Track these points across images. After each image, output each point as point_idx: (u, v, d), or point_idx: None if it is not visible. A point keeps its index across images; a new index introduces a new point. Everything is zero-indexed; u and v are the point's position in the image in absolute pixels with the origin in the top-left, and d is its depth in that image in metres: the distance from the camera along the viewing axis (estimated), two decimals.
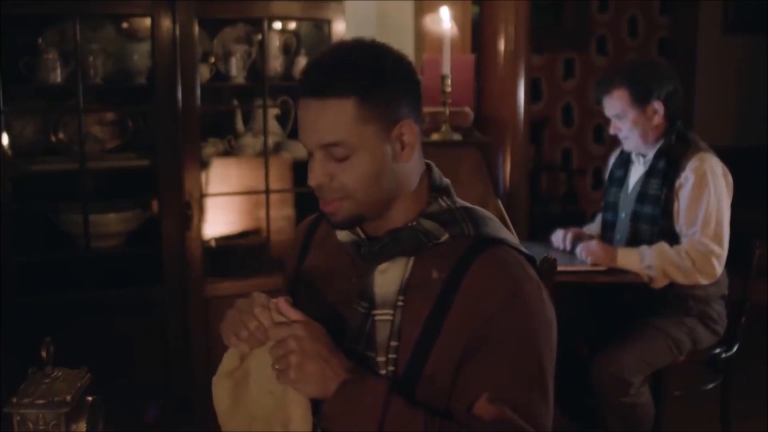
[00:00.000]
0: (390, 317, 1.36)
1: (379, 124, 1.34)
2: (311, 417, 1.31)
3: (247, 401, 1.37)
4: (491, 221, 1.43)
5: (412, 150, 1.38)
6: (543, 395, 1.34)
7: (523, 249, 1.43)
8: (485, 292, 1.33)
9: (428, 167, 1.47)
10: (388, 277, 1.38)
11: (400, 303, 1.36)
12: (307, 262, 1.54)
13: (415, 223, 1.39)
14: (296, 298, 1.39)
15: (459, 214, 1.41)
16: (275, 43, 3.20)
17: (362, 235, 1.43)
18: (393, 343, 1.35)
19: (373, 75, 1.33)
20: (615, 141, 2.96)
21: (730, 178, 2.74)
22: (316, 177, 1.36)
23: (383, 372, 1.36)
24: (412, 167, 1.40)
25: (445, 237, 1.38)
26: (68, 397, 1.32)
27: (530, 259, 1.43)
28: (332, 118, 1.32)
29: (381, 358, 1.36)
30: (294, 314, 1.33)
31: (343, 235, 1.44)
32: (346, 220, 1.39)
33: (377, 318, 1.37)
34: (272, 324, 1.32)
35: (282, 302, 1.34)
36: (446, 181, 1.47)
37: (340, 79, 1.32)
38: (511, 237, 1.44)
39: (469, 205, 1.45)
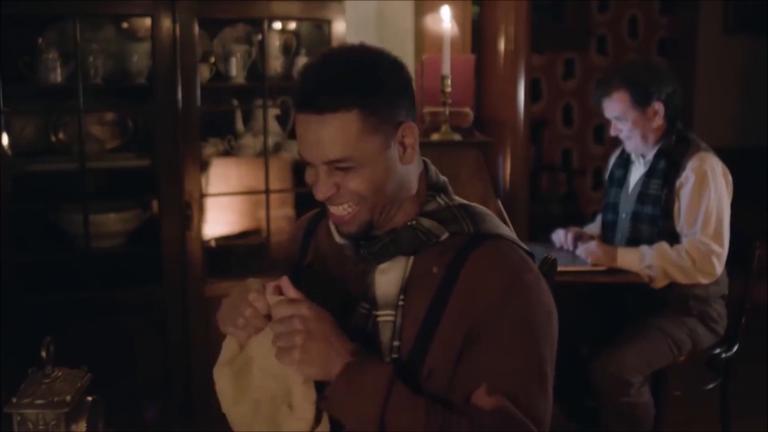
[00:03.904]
0: (392, 318, 1.36)
1: (383, 131, 1.32)
2: (315, 397, 1.29)
3: (250, 387, 1.36)
4: (489, 217, 1.43)
5: (413, 151, 1.37)
6: (541, 386, 1.34)
7: (521, 243, 1.42)
8: (483, 283, 1.33)
9: (424, 165, 1.46)
10: (389, 277, 1.37)
11: (401, 303, 1.36)
12: (307, 261, 1.53)
13: (414, 222, 1.38)
14: None
15: (458, 212, 1.40)
16: (275, 43, 3.21)
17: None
18: (395, 343, 1.35)
19: (372, 83, 1.30)
20: (615, 141, 2.96)
21: (729, 177, 2.74)
22: (324, 192, 1.34)
23: None
24: (413, 168, 1.40)
25: (446, 236, 1.37)
26: (68, 397, 1.32)
27: (528, 254, 1.42)
28: (336, 134, 1.29)
29: (386, 359, 1.35)
30: (295, 293, 1.31)
31: (341, 236, 1.43)
32: (360, 227, 1.37)
33: (379, 319, 1.36)
34: (268, 309, 1.31)
35: (285, 281, 1.32)
36: (443, 178, 1.46)
37: (340, 92, 1.28)
38: (510, 232, 1.43)
39: (466, 202, 1.44)
